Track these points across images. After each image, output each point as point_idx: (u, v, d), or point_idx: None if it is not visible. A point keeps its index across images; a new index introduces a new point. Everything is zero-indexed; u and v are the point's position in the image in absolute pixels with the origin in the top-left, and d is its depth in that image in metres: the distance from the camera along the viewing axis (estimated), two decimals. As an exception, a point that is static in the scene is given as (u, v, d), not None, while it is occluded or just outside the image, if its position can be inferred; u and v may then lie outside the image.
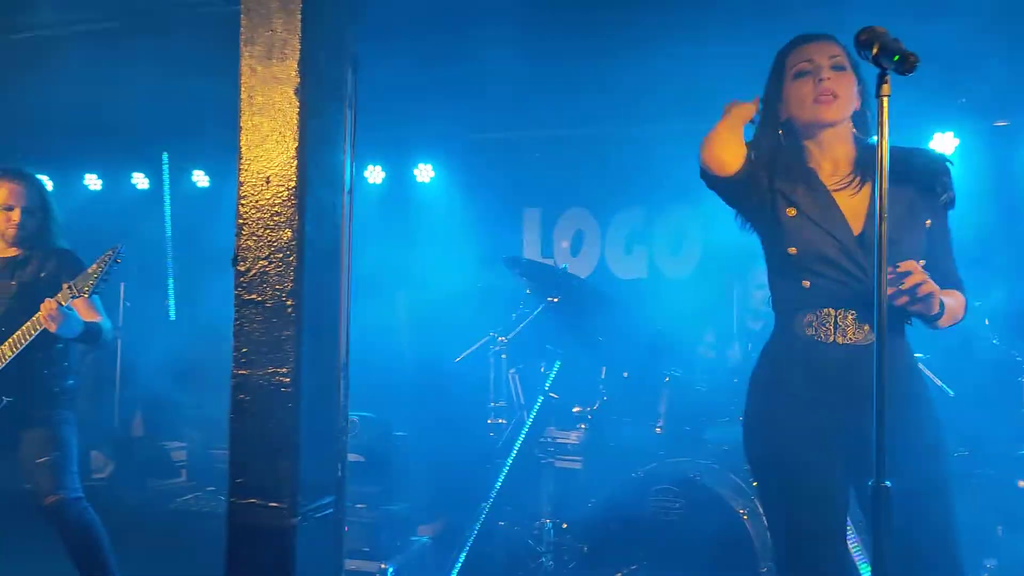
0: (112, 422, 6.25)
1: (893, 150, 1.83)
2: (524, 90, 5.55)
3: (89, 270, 3.39)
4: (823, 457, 2.07)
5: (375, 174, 6.77)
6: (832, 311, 2.08)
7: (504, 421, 5.02)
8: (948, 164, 2.15)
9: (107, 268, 3.37)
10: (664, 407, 4.25)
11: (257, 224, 2.38)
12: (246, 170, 2.39)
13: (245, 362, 2.35)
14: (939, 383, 4.19)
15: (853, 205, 2.11)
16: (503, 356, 5.12)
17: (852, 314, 2.06)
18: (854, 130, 2.19)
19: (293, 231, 2.35)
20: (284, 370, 2.34)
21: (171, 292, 7.03)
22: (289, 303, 2.34)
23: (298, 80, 2.38)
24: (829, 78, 2.09)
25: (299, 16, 2.38)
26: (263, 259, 2.37)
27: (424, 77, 5.26)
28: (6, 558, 3.66)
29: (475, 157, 6.54)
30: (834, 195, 2.13)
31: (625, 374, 4.53)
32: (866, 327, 2.03)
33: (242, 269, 2.38)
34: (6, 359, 3.37)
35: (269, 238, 2.37)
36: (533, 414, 4.70)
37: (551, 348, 4.89)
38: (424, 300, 6.30)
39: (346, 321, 2.69)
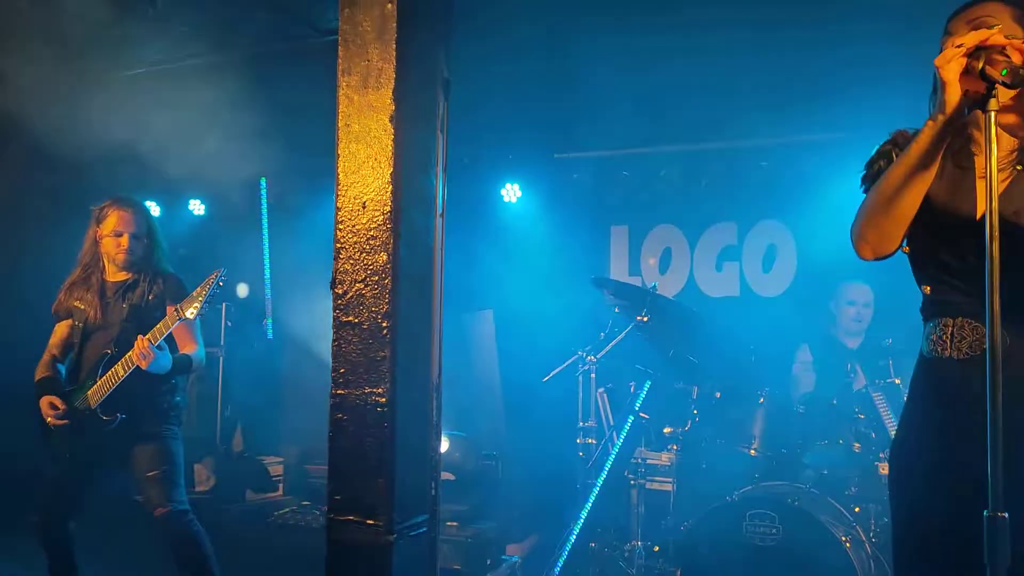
0: (214, 437, 6.52)
1: None
2: (611, 107, 5.54)
3: (193, 293, 3.57)
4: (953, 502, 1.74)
5: (462, 194, 6.86)
6: (951, 320, 1.83)
7: (593, 441, 4.99)
8: None
9: (211, 291, 3.54)
10: (759, 429, 4.14)
11: (354, 248, 2.45)
12: (343, 195, 2.48)
13: (343, 382, 2.42)
14: None
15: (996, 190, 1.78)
16: (592, 376, 5.10)
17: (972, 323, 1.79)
18: None
19: (388, 255, 2.42)
20: (380, 390, 2.40)
21: (269, 312, 7.29)
22: (384, 325, 2.40)
23: (393, 108, 2.45)
24: (960, 43, 1.70)
25: (394, 45, 2.46)
26: (359, 282, 2.44)
27: (513, 94, 5.33)
28: (120, 566, 3.85)
29: (561, 176, 6.56)
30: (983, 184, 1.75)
31: (718, 394, 4.43)
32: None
33: (340, 292, 2.46)
34: (119, 378, 3.57)
35: (365, 261, 2.44)
36: (623, 434, 4.65)
37: (641, 368, 4.85)
38: (513, 320, 6.33)
39: (438, 342, 2.74)
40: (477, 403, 6.17)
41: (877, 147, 2.04)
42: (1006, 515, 1.44)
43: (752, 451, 4.10)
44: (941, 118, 1.66)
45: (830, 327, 4.86)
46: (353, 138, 2.49)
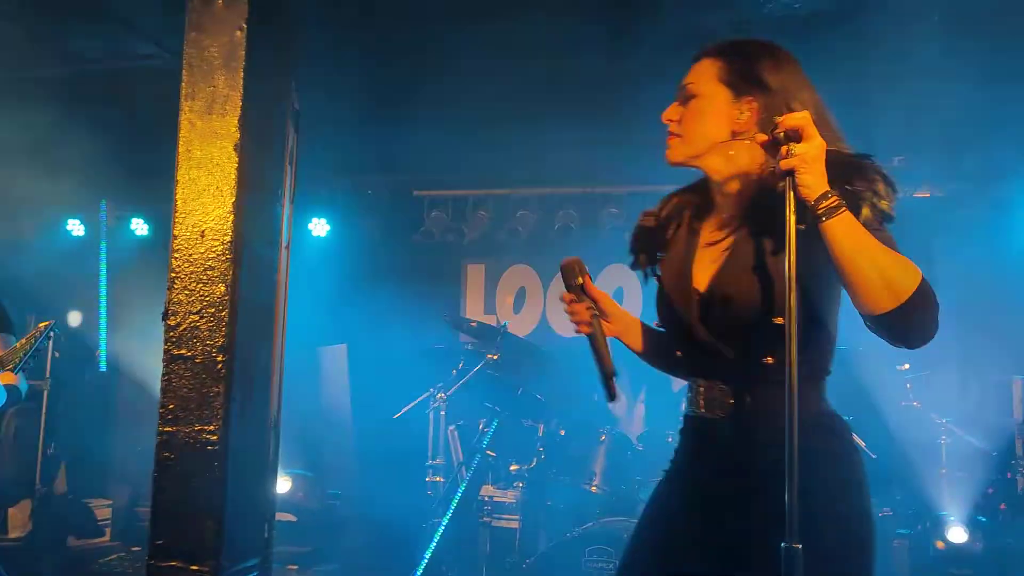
0: (33, 478, 6.00)
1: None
2: (469, 148, 5.64)
3: (16, 345, 3.37)
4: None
5: (319, 227, 6.75)
6: (702, 382, 1.83)
7: (442, 479, 4.97)
8: (858, 175, 1.62)
9: (36, 344, 3.35)
10: (600, 466, 4.27)
11: (190, 278, 2.36)
12: (181, 223, 2.38)
13: (172, 419, 2.31)
14: (861, 444, 4.30)
15: (710, 261, 1.79)
16: (442, 413, 5.10)
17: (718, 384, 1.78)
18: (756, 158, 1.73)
19: (227, 286, 2.34)
20: (212, 427, 2.30)
21: (103, 342, 6.83)
22: (219, 359, 2.31)
23: (238, 135, 2.39)
24: (670, 119, 1.80)
25: (241, 73, 2.41)
26: (194, 313, 2.34)
27: (369, 129, 5.32)
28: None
29: (419, 212, 6.58)
30: (705, 252, 1.83)
31: (562, 432, 4.54)
32: (734, 402, 1.74)
33: (172, 323, 2.35)
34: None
35: (202, 292, 2.35)
36: (470, 472, 4.66)
37: (490, 405, 4.89)
38: (368, 355, 6.25)
39: (279, 378, 2.67)
40: (326, 440, 6.01)
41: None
42: (800, 546, 1.52)
43: (594, 488, 4.22)
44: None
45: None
46: (194, 164, 2.41)
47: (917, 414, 4.72)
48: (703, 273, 1.79)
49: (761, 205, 1.69)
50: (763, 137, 1.54)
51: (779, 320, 1.63)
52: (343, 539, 5.00)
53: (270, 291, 2.61)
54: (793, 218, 1.53)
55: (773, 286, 1.66)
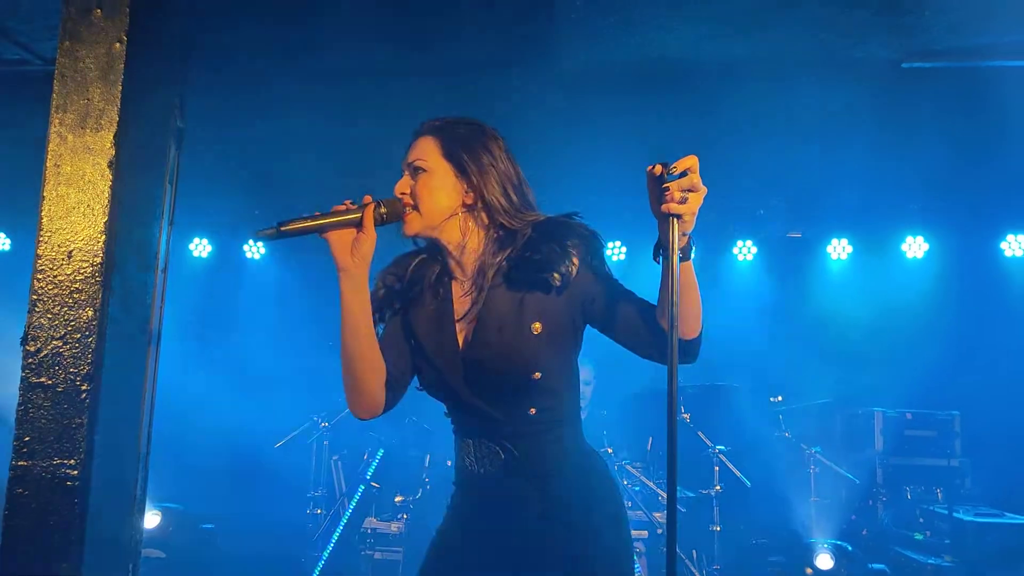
0: None
1: (524, 244, 1.77)
2: (357, 172, 5.56)
3: None
4: None
5: (201, 247, 6.49)
6: (471, 441, 1.87)
7: (323, 511, 4.82)
8: (568, 238, 1.79)
9: None
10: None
11: (54, 301, 2.21)
12: (46, 243, 2.23)
13: (27, 452, 2.14)
14: (738, 474, 4.46)
15: (466, 324, 1.85)
16: (325, 443, 4.96)
17: (486, 442, 1.84)
18: (479, 221, 1.85)
19: (95, 310, 2.20)
20: (72, 462, 2.14)
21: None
22: (84, 388, 2.17)
23: (113, 152, 2.26)
24: (403, 191, 1.83)
25: (120, 87, 2.29)
26: (57, 339, 2.19)
27: (259, 152, 5.18)
28: None
29: (309, 236, 6.42)
30: (458, 320, 1.87)
31: (449, 462, 4.49)
32: (502, 458, 1.82)
33: (32, 349, 2.18)
34: None
35: (67, 316, 2.20)
36: (353, 503, 4.55)
37: (375, 435, 4.80)
38: (245, 382, 6.01)
39: (149, 407, 2.52)
40: (201, 471, 5.72)
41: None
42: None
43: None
44: (345, 278, 1.75)
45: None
46: (63, 180, 2.26)
47: (789, 444, 4.94)
48: (461, 338, 1.84)
49: (497, 269, 1.81)
50: (659, 168, 1.58)
51: (537, 375, 1.76)
52: (217, 575, 4.75)
53: (143, 317, 2.47)
54: (676, 256, 1.58)
55: (525, 343, 1.77)
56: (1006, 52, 3.73)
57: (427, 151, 1.85)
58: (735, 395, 4.88)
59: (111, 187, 2.26)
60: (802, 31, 3.66)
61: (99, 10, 2.32)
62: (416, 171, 1.84)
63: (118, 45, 2.31)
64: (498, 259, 1.82)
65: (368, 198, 1.77)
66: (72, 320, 2.20)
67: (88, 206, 2.25)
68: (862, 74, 4.01)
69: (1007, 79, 3.93)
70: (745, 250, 6.22)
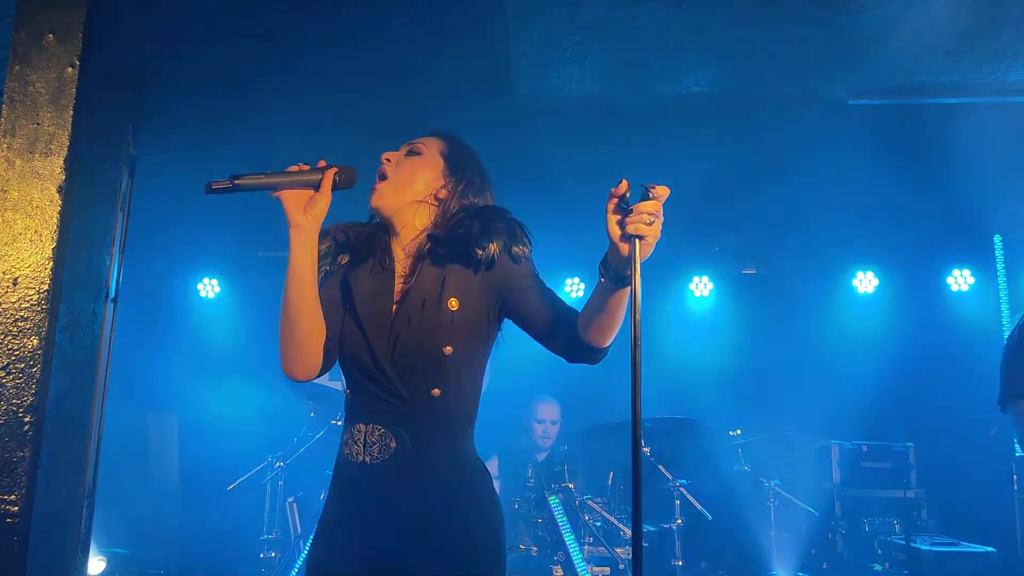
0: None
1: (453, 223, 1.86)
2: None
3: None
4: None
5: (151, 284, 6.36)
6: (363, 427, 1.82)
7: (276, 554, 4.68)
8: (496, 221, 1.87)
9: None
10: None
11: (-4, 330, 2.13)
12: (-10, 270, 2.16)
13: (-37, 488, 2.04)
14: (699, 507, 4.45)
15: (399, 298, 1.87)
16: (280, 483, 4.83)
17: (381, 428, 1.80)
18: (437, 214, 1.93)
19: (40, 339, 2.13)
20: (12, 497, 2.05)
21: None
22: (27, 420, 2.09)
23: (63, 177, 2.22)
24: (388, 159, 1.94)
25: (71, 111, 2.25)
26: (0, 369, 2.11)
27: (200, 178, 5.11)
28: None
29: (263, 274, 6.35)
30: (397, 290, 1.89)
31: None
32: (394, 446, 1.78)
33: (-28, 380, 2.10)
34: None
35: (10, 345, 2.13)
36: (308, 546, 4.42)
37: (331, 475, 4.69)
38: (201, 422, 5.86)
39: (96, 442, 2.44)
40: (150, 515, 5.53)
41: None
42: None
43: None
44: (297, 233, 1.76)
45: (522, 437, 5.09)
46: (10, 206, 2.21)
47: (748, 478, 4.95)
48: (392, 311, 1.87)
49: (432, 255, 1.87)
50: (624, 186, 1.61)
51: (448, 350, 1.80)
52: (163, 625, 4.57)
53: (91, 348, 2.40)
54: (638, 277, 1.58)
55: (441, 317, 1.81)
56: (946, 90, 3.88)
57: (429, 143, 1.99)
58: (695, 429, 4.89)
59: (60, 213, 2.21)
60: (754, 68, 3.76)
61: (52, 35, 2.29)
62: (411, 152, 1.97)
63: (70, 70, 2.28)
64: (436, 233, 1.89)
65: (323, 162, 1.79)
66: (16, 349, 2.12)
67: (36, 232, 2.19)
68: (810, 111, 4.13)
69: (948, 117, 4.08)
70: (701, 286, 6.30)
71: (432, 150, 1.97)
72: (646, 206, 1.57)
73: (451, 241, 1.85)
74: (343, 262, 1.96)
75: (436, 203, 1.94)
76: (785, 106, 4.16)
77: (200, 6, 3.09)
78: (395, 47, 3.53)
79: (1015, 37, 3.42)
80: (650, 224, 1.56)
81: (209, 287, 6.41)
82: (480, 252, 1.81)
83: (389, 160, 1.95)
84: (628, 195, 1.59)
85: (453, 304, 1.81)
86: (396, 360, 1.80)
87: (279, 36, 3.34)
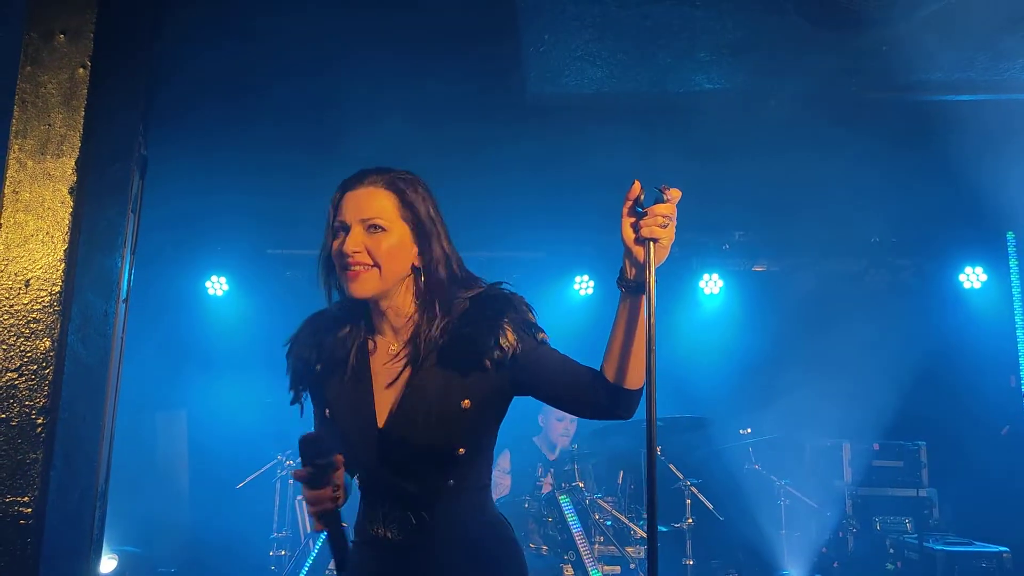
0: None
1: (458, 319, 1.74)
2: (321, 209, 5.52)
3: None
4: None
5: (160, 283, 6.37)
6: (380, 508, 1.78)
7: (286, 552, 4.68)
8: (505, 317, 1.75)
9: None
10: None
11: (9, 332, 2.12)
12: (2, 271, 2.15)
13: (-23, 490, 2.04)
14: (710, 507, 4.44)
15: (389, 396, 1.78)
16: (290, 482, 4.84)
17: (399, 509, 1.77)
18: (419, 290, 1.80)
19: (52, 341, 2.12)
20: (26, 499, 2.05)
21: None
22: (39, 422, 2.08)
23: (75, 179, 2.21)
24: (357, 250, 1.72)
25: (83, 112, 2.24)
26: (12, 371, 2.11)
27: (224, 186, 5.12)
28: None
29: (271, 272, 6.36)
30: (381, 387, 1.80)
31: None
32: (413, 525, 1.75)
33: (-15, 382, 2.10)
34: None
35: (22, 348, 2.12)
36: (319, 544, 4.42)
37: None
38: (211, 420, 5.87)
39: (108, 443, 2.43)
40: (160, 513, 5.55)
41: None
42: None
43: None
44: None
45: (534, 436, 5.08)
46: (22, 207, 2.20)
47: (759, 477, 4.93)
48: (383, 410, 1.77)
49: (433, 341, 1.75)
50: (637, 188, 1.59)
51: (461, 451, 1.72)
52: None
53: (103, 348, 2.39)
54: (653, 278, 1.57)
55: (453, 419, 1.72)
56: (960, 87, 3.85)
57: (384, 208, 1.76)
58: (706, 428, 4.88)
59: (71, 214, 2.20)
60: (766, 66, 3.73)
61: (63, 35, 2.28)
62: (373, 228, 1.74)
63: (81, 71, 2.27)
64: (434, 331, 1.75)
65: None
66: (28, 351, 2.12)
67: (47, 233, 2.18)
68: (821, 107, 4.10)
69: (961, 113, 4.04)
70: (712, 283, 6.27)
71: (390, 215, 1.75)
72: (660, 208, 1.56)
73: (462, 343, 1.73)
74: (318, 369, 1.84)
75: (413, 273, 1.79)
76: (796, 102, 4.13)
77: (212, 6, 3.08)
78: (406, 48, 3.52)
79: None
80: (664, 227, 1.55)
81: (217, 285, 6.41)
82: (495, 356, 1.70)
83: (358, 252, 1.72)
84: (643, 198, 1.58)
85: (466, 404, 1.71)
86: (395, 464, 1.74)
87: (288, 38, 3.33)
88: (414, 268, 1.79)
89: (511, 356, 1.72)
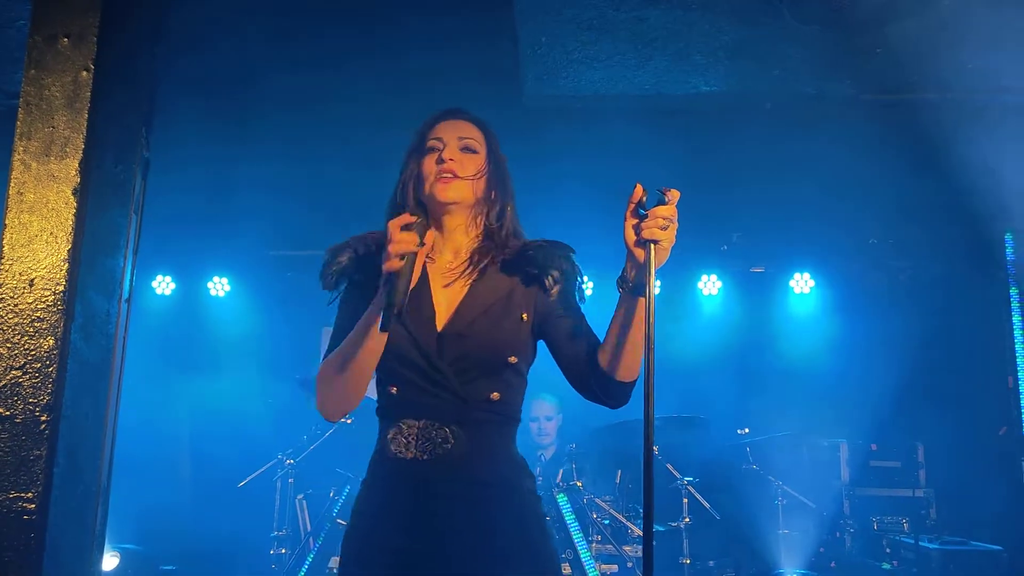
0: None
1: (521, 246, 1.88)
2: (328, 208, 5.56)
3: None
4: None
5: (164, 284, 6.42)
6: (415, 423, 1.79)
7: (287, 551, 4.71)
8: (566, 255, 1.87)
9: None
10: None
11: (14, 330, 2.16)
12: (6, 271, 2.19)
13: (-18, 485, 2.08)
14: (707, 506, 4.46)
15: (449, 298, 1.85)
16: (290, 480, 4.87)
17: (436, 425, 1.78)
18: (487, 220, 1.92)
19: (56, 339, 2.16)
20: (30, 495, 2.08)
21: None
22: (43, 419, 2.12)
23: (78, 180, 2.25)
24: (452, 158, 1.85)
25: (86, 115, 2.28)
26: (17, 369, 2.14)
27: (222, 188, 5.16)
28: None
29: (273, 273, 6.40)
30: (439, 291, 1.86)
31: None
32: (448, 443, 1.77)
33: (-11, 379, 2.14)
34: None
35: (27, 346, 2.16)
36: (319, 542, 4.46)
37: (342, 472, 4.72)
38: (212, 419, 5.91)
39: (110, 441, 2.47)
40: (160, 511, 5.58)
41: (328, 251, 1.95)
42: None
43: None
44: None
45: (526, 436, 5.11)
46: (26, 208, 2.24)
47: (756, 476, 4.96)
48: (442, 311, 1.84)
49: (492, 257, 1.89)
50: (640, 191, 1.65)
51: (513, 359, 1.80)
52: (175, 620, 4.62)
53: (106, 347, 2.43)
54: (653, 281, 1.62)
55: (511, 327, 1.82)
56: (950, 86, 3.88)
57: (475, 136, 1.93)
58: (703, 427, 4.90)
59: (75, 215, 2.24)
60: (762, 68, 3.76)
61: (66, 38, 2.32)
62: (467, 149, 1.90)
63: (85, 73, 2.31)
64: (496, 247, 1.89)
65: (413, 244, 1.66)
66: (32, 349, 2.16)
67: (51, 234, 2.22)
68: (819, 109, 4.13)
69: (956, 114, 4.07)
70: (710, 284, 6.30)
71: (481, 144, 1.92)
72: (661, 210, 1.61)
73: (522, 258, 1.86)
74: (357, 277, 1.89)
75: (487, 205, 1.91)
76: (794, 104, 4.16)
77: (214, 8, 3.11)
78: (405, 49, 3.55)
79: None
80: (665, 229, 1.60)
81: (220, 285, 6.45)
82: (551, 279, 1.82)
83: (453, 160, 1.86)
84: (644, 200, 1.62)
85: (525, 317, 1.83)
86: (455, 362, 1.78)
87: (290, 38, 3.36)
88: (487, 199, 1.91)
89: (560, 287, 1.83)
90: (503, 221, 1.92)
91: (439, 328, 1.81)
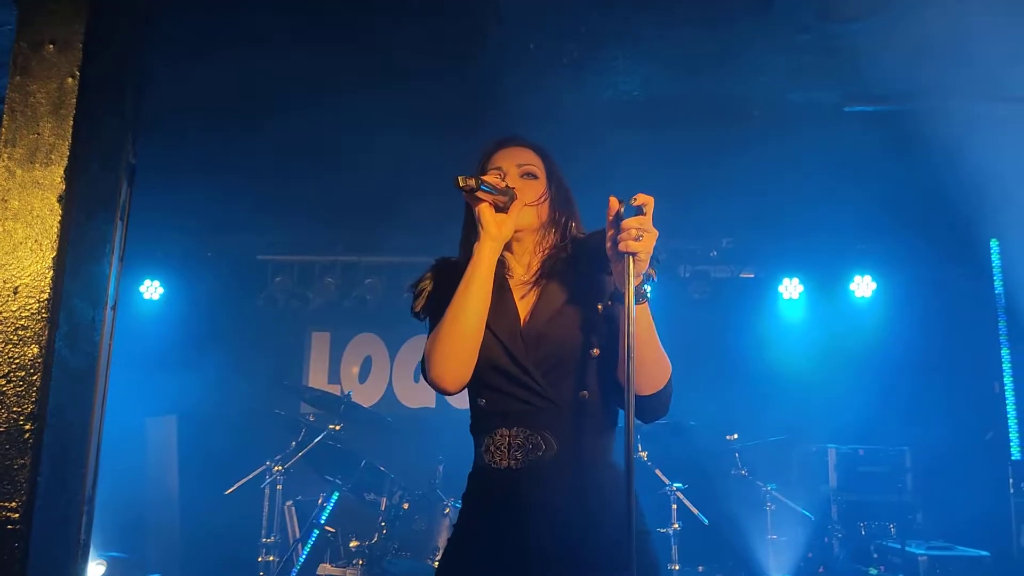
0: None
1: (581, 239, 1.93)
2: (315, 214, 5.55)
3: None
4: None
5: (152, 289, 6.39)
6: (507, 431, 1.80)
7: (275, 558, 4.69)
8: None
9: None
10: (443, 540, 4.18)
11: (-3, 338, 2.15)
12: (-10, 279, 2.18)
13: (-36, 495, 2.06)
14: (695, 512, 4.47)
15: (526, 304, 1.89)
16: (279, 487, 4.85)
17: (528, 432, 1.78)
18: (556, 239, 1.97)
19: (40, 347, 2.14)
20: (13, 504, 2.07)
21: None
22: (27, 428, 2.10)
23: (63, 187, 2.24)
24: (513, 186, 1.87)
25: (71, 121, 2.27)
26: (0, 377, 2.13)
27: (208, 192, 5.14)
28: None
29: (261, 277, 6.38)
30: (518, 301, 1.91)
31: (406, 505, 4.43)
32: (541, 449, 1.77)
33: (-27, 388, 2.12)
34: None
35: (11, 354, 2.14)
36: (307, 549, 4.44)
37: (330, 479, 4.71)
38: (200, 426, 5.88)
39: (95, 449, 2.45)
40: (148, 519, 5.55)
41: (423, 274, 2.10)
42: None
43: (436, 563, 4.11)
44: (491, 244, 1.82)
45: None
46: (11, 216, 2.22)
47: (745, 482, 4.97)
48: (524, 311, 1.89)
49: (558, 259, 1.93)
50: (615, 201, 1.65)
51: (596, 352, 1.80)
52: (162, 629, 4.58)
53: (90, 355, 2.41)
54: (631, 294, 1.61)
55: (589, 318, 1.82)
56: (937, 94, 3.90)
57: (536, 163, 1.98)
58: (691, 433, 4.91)
59: (60, 222, 2.23)
60: (746, 76, 3.78)
61: (52, 45, 2.31)
62: (528, 175, 1.95)
63: (70, 80, 2.30)
64: (559, 253, 1.93)
65: (503, 183, 1.85)
66: (16, 358, 2.14)
67: (36, 241, 2.20)
68: (805, 115, 4.15)
69: (943, 121, 4.10)
70: (700, 289, 6.31)
71: (542, 172, 1.97)
72: (630, 223, 1.61)
73: (590, 251, 1.86)
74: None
75: (553, 226, 1.96)
76: (782, 110, 4.18)
77: (201, 16, 3.11)
78: (395, 59, 3.55)
79: (1010, 42, 3.44)
80: (639, 239, 1.59)
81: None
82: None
83: (516, 188, 1.87)
84: (623, 211, 1.62)
85: (600, 308, 1.83)
86: (540, 363, 1.80)
87: (278, 45, 3.36)
88: (553, 220, 1.97)
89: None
90: (567, 233, 1.97)
91: (521, 327, 1.85)
